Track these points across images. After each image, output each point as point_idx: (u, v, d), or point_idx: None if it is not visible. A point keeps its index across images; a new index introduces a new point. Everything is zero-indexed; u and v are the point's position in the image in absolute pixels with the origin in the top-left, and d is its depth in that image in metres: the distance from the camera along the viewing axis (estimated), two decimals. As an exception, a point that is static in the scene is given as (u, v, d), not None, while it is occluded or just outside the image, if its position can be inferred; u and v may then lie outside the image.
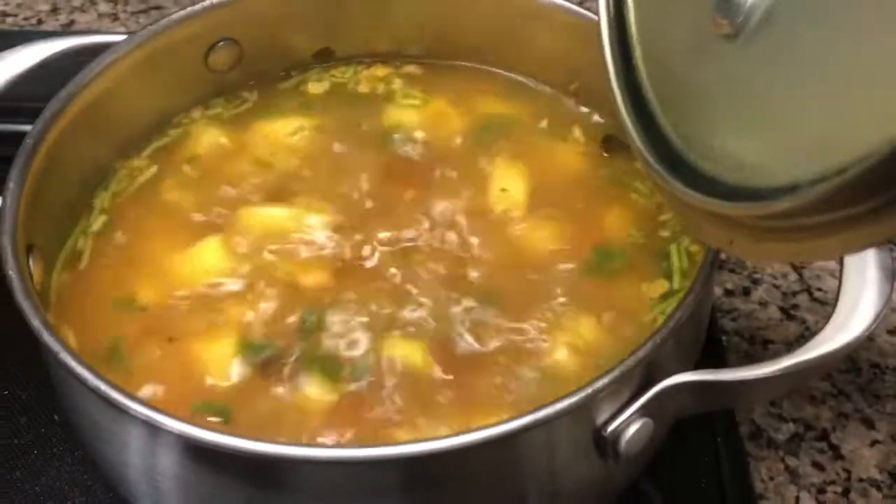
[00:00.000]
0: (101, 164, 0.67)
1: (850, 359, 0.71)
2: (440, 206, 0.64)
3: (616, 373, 0.45)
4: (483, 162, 0.67)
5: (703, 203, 0.46)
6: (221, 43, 0.70)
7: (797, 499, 0.64)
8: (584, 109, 0.71)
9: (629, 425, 0.46)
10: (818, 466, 0.65)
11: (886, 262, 0.52)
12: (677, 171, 0.49)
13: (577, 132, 0.69)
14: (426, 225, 0.62)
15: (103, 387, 0.45)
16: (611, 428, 0.46)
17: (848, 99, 0.39)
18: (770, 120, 0.44)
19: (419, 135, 0.69)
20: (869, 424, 0.67)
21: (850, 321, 0.49)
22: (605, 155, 0.67)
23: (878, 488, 0.64)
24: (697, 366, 0.55)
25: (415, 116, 0.71)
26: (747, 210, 0.44)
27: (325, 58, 0.75)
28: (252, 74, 0.73)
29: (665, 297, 0.58)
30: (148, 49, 0.66)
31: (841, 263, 0.54)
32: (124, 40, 0.65)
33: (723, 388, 0.48)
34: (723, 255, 0.78)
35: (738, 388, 0.49)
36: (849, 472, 0.65)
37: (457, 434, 0.44)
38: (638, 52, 0.54)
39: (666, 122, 0.51)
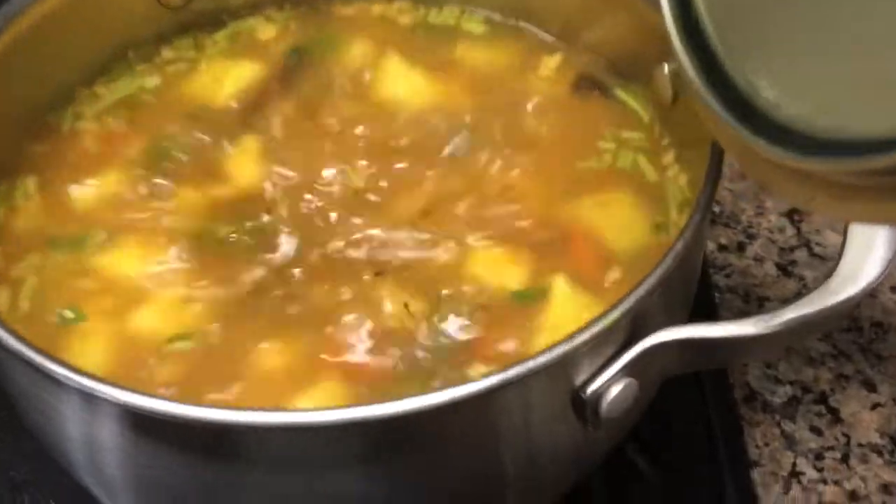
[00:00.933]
0: (37, 107, 0.61)
1: (851, 317, 0.67)
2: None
3: (597, 327, 0.40)
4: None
5: (778, 157, 0.41)
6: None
7: (794, 465, 0.60)
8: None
9: (611, 386, 0.42)
10: (816, 431, 0.62)
11: None
12: (745, 119, 0.43)
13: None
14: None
15: (30, 353, 0.41)
16: (590, 389, 0.42)
17: None
18: (861, 55, 0.39)
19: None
20: (870, 386, 0.64)
21: (856, 273, 0.45)
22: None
23: (879, 453, 0.61)
24: (687, 323, 0.51)
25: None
26: (833, 166, 0.38)
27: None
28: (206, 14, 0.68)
29: (658, 228, 0.53)
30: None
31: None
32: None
33: (714, 346, 0.44)
34: (717, 209, 0.74)
35: (731, 345, 0.44)
36: (848, 436, 0.61)
37: (421, 395, 0.39)
38: None
39: (730, 63, 0.45)
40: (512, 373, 0.39)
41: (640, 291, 0.41)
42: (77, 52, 0.63)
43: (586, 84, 0.63)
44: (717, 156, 0.48)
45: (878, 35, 0.38)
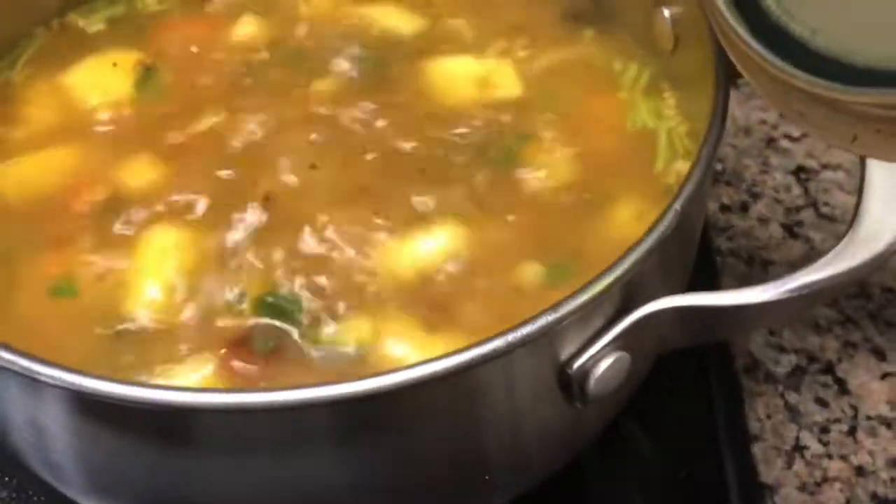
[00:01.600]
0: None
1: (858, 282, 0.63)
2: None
3: (584, 296, 0.36)
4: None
5: (821, 89, 0.38)
6: None
7: (797, 439, 0.57)
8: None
9: (599, 361, 0.38)
10: (822, 403, 0.58)
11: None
12: (779, 48, 0.40)
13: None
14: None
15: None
16: (577, 364, 0.38)
17: None
18: None
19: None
20: (879, 355, 0.60)
21: (875, 235, 0.40)
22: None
23: (889, 426, 0.57)
24: (686, 291, 0.47)
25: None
26: (880, 98, 0.36)
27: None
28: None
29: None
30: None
31: (862, 170, 0.45)
32: None
33: (715, 315, 0.40)
34: (719, 167, 0.70)
35: (733, 314, 0.40)
36: (855, 408, 0.58)
37: (397, 370, 0.35)
38: None
39: None
40: (490, 346, 0.35)
41: (634, 256, 0.37)
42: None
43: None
44: (722, 105, 0.44)
45: None
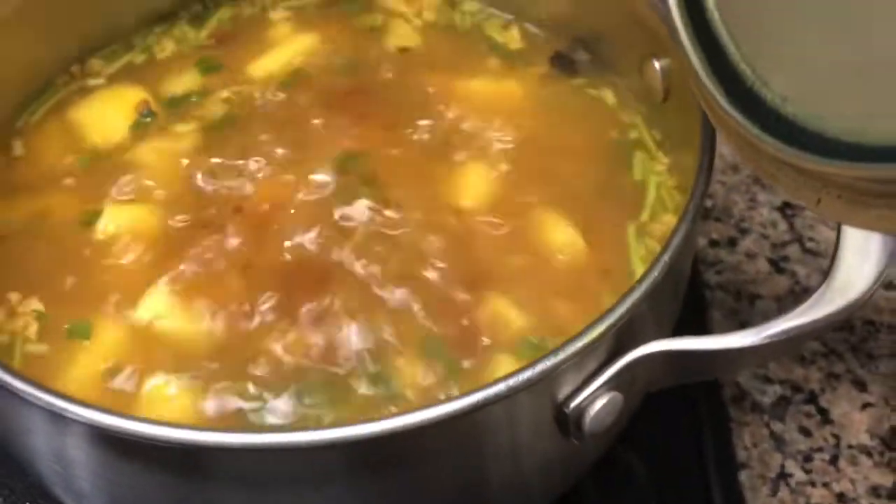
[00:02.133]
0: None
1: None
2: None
3: (580, 342, 0.39)
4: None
5: (789, 156, 0.39)
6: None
7: (782, 467, 0.60)
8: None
9: (594, 401, 0.41)
10: (805, 432, 0.61)
11: (890, 213, 0.45)
12: (752, 113, 0.42)
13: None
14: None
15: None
16: (573, 404, 0.41)
17: None
18: (881, 60, 0.36)
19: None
20: (861, 386, 0.63)
21: (850, 283, 0.43)
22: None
23: (869, 455, 0.60)
24: (676, 327, 0.50)
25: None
26: (848, 170, 0.37)
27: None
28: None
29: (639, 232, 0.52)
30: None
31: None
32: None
33: (701, 358, 0.43)
34: (708, 203, 0.73)
35: (718, 357, 0.43)
36: (838, 437, 0.61)
37: (406, 413, 0.38)
38: None
39: (737, 53, 0.43)
40: (493, 390, 0.38)
41: (625, 305, 0.40)
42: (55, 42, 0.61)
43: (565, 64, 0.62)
44: (708, 157, 0.47)
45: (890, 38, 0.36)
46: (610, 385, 0.41)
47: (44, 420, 0.43)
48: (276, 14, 0.67)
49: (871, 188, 0.37)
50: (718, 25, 0.45)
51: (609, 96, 0.61)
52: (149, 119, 0.60)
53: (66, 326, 0.50)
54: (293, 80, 0.62)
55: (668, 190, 0.54)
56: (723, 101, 0.43)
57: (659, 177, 0.55)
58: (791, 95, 0.40)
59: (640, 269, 0.50)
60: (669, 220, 0.52)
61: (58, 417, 0.41)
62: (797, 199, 0.42)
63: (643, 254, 0.52)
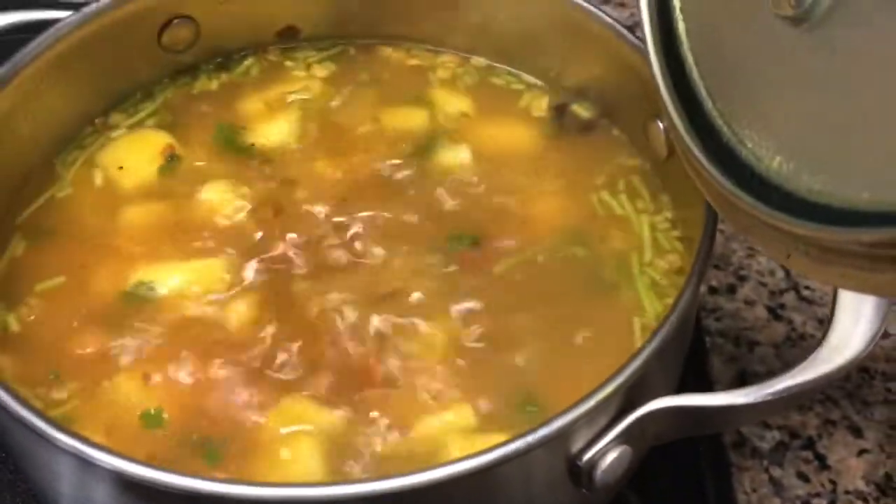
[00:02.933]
0: (32, 162, 0.62)
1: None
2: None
3: (592, 401, 0.41)
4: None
5: (759, 213, 0.40)
6: (176, 20, 0.66)
7: (781, 512, 0.61)
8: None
9: (606, 454, 0.43)
10: (803, 477, 0.63)
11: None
12: (727, 168, 0.43)
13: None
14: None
15: (28, 416, 0.41)
16: (586, 457, 0.43)
17: None
18: (847, 122, 0.38)
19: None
20: (856, 433, 0.65)
21: (846, 341, 0.46)
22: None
23: (865, 500, 0.62)
24: (679, 374, 0.52)
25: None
26: (815, 231, 0.38)
27: (289, 38, 0.71)
28: (209, 54, 0.69)
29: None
30: (95, 27, 0.61)
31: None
32: (70, 17, 0.61)
33: (707, 414, 0.45)
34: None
35: (723, 413, 0.45)
36: (835, 483, 0.62)
37: (424, 470, 0.40)
38: (682, 28, 0.47)
39: (714, 110, 0.45)
40: (512, 447, 0.40)
41: (636, 364, 0.43)
42: (83, 97, 0.64)
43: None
44: (712, 219, 0.49)
45: (871, 107, 0.38)
46: (620, 439, 0.43)
47: (68, 463, 0.44)
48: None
49: (837, 248, 0.39)
50: (697, 81, 0.46)
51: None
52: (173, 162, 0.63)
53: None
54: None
55: (669, 240, 0.57)
56: (700, 154, 0.45)
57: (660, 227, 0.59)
58: (764, 154, 0.42)
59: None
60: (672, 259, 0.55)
61: (84, 463, 0.42)
62: (768, 254, 0.44)
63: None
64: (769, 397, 0.44)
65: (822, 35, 0.39)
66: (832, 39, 0.38)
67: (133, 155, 0.63)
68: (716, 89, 0.45)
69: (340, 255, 0.57)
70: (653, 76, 0.48)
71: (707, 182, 0.45)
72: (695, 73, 0.46)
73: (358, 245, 0.57)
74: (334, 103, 0.67)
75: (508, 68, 0.69)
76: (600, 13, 0.61)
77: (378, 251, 0.57)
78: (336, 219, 0.59)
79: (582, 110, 0.66)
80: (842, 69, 0.39)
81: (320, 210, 0.60)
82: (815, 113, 0.40)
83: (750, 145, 0.43)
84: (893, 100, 0.36)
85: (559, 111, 0.67)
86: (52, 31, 0.60)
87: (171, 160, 0.63)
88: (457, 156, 0.63)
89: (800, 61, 0.40)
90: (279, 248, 0.58)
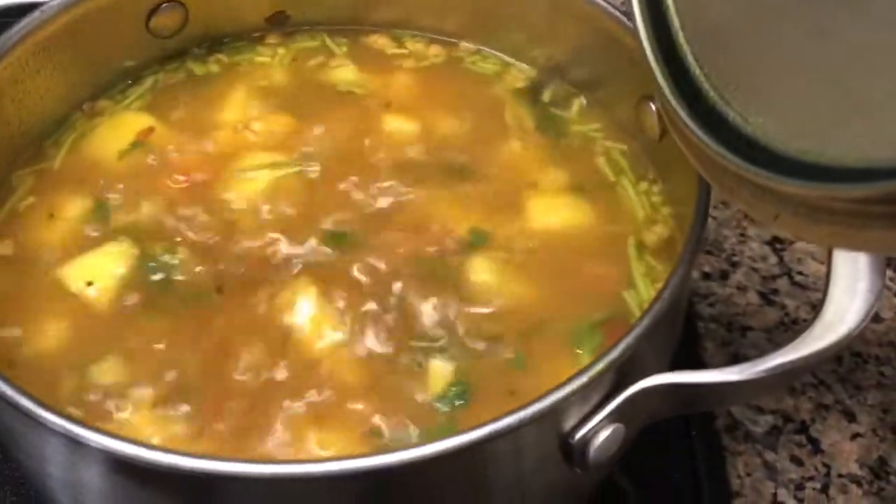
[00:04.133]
0: (18, 146, 0.61)
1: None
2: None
3: (585, 377, 0.41)
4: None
5: (747, 173, 0.40)
6: (165, 5, 0.65)
7: (774, 495, 0.61)
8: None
9: (598, 432, 0.43)
10: (797, 461, 0.63)
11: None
12: (714, 131, 0.43)
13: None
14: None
15: (16, 396, 0.41)
16: (578, 435, 0.42)
17: None
18: (835, 81, 0.38)
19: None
20: (850, 417, 0.65)
21: (839, 318, 0.45)
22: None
23: (859, 484, 0.62)
24: (672, 359, 0.52)
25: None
26: (803, 189, 0.38)
27: (279, 24, 0.70)
28: (197, 40, 0.68)
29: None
30: (81, 11, 0.61)
31: (829, 252, 0.50)
32: (55, 1, 0.60)
33: (700, 391, 0.45)
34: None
35: (716, 390, 0.45)
36: (828, 466, 0.62)
37: (415, 446, 0.40)
38: None
39: (701, 74, 0.45)
40: (503, 423, 0.40)
41: (627, 341, 0.42)
42: (70, 81, 0.63)
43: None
44: (704, 200, 0.49)
45: (857, 66, 0.38)
46: (613, 417, 0.43)
47: (58, 445, 0.43)
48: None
49: (826, 206, 0.39)
50: (683, 46, 0.46)
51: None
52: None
53: None
54: None
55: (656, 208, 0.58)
56: (686, 118, 0.45)
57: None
58: (752, 116, 0.42)
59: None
60: (661, 230, 0.55)
61: (74, 443, 0.42)
62: (755, 215, 0.43)
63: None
64: (762, 374, 0.44)
65: None
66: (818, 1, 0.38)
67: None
68: (702, 53, 0.45)
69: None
70: (639, 40, 0.48)
71: (694, 146, 0.45)
72: (681, 37, 0.46)
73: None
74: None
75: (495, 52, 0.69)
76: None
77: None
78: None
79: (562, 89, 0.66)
80: (827, 30, 0.39)
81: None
82: (802, 73, 0.40)
83: (737, 108, 0.43)
84: (880, 58, 0.36)
85: (537, 90, 0.67)
86: (37, 13, 0.59)
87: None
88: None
89: (786, 23, 0.41)
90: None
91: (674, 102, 0.46)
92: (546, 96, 0.67)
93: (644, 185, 0.61)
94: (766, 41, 0.42)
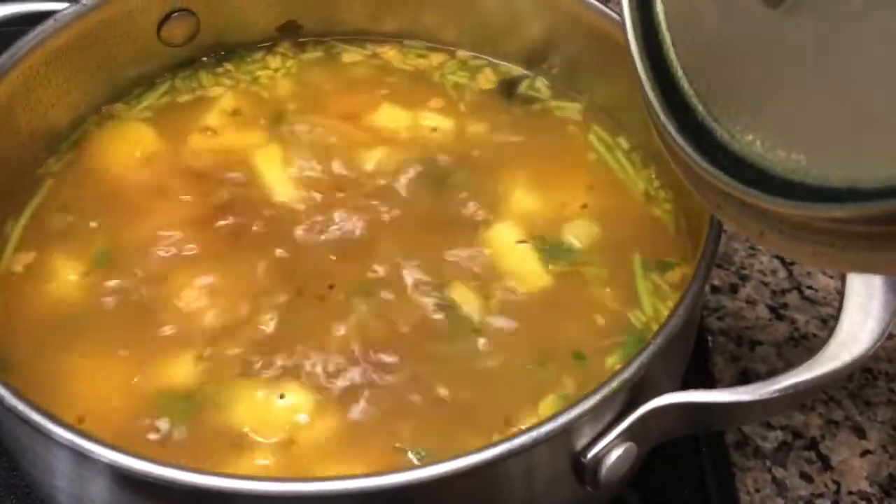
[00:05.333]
0: (24, 159, 0.61)
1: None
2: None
3: (597, 396, 0.41)
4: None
5: (733, 190, 0.41)
6: (176, 14, 0.65)
7: (784, 512, 0.61)
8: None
9: (610, 451, 0.42)
10: (806, 478, 0.62)
11: (892, 272, 0.47)
12: (701, 146, 0.43)
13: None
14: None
15: (23, 407, 0.41)
16: (590, 454, 0.42)
17: None
18: (823, 100, 0.38)
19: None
20: (860, 433, 0.64)
21: (853, 338, 0.45)
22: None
23: (869, 501, 0.61)
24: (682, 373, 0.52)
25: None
26: (785, 208, 0.38)
27: (290, 33, 0.70)
28: (209, 49, 0.68)
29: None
30: (94, 20, 0.61)
31: (843, 278, 0.49)
32: (68, 8, 0.60)
33: (715, 411, 0.45)
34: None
35: (728, 410, 0.45)
36: (838, 483, 0.62)
37: (428, 465, 0.39)
38: (660, 7, 0.48)
39: (690, 89, 0.45)
40: (518, 442, 0.40)
41: (640, 360, 0.42)
42: (82, 88, 0.63)
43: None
44: (718, 222, 0.49)
45: (844, 87, 0.38)
46: (625, 436, 0.43)
47: (66, 458, 0.43)
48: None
49: (809, 225, 0.39)
50: (674, 62, 0.47)
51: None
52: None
53: None
54: None
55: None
56: (675, 133, 0.45)
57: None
58: (740, 133, 0.42)
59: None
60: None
61: (81, 457, 0.42)
62: (741, 231, 0.43)
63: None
64: (775, 394, 0.44)
65: (798, 16, 0.39)
66: (808, 20, 0.38)
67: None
68: (692, 69, 0.46)
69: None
70: (630, 55, 0.48)
71: (682, 160, 0.45)
72: (672, 53, 0.46)
73: None
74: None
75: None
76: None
77: None
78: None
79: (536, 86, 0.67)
80: (817, 50, 0.39)
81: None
82: (790, 93, 0.40)
83: (725, 124, 0.43)
84: (867, 79, 0.36)
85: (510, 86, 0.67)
86: (50, 21, 0.59)
87: None
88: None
89: (776, 42, 0.41)
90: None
91: (663, 117, 0.46)
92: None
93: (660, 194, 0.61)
94: (755, 59, 0.42)
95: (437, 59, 0.70)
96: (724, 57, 0.45)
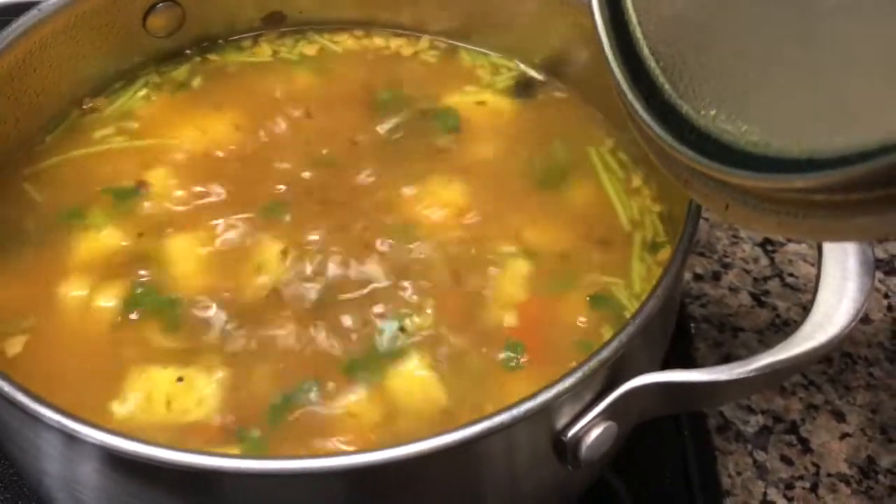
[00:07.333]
0: (12, 146, 0.61)
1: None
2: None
3: (577, 375, 0.41)
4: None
5: (699, 165, 0.42)
6: (161, 4, 0.65)
7: (765, 495, 0.62)
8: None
9: (590, 430, 0.43)
10: (787, 461, 0.63)
11: (867, 253, 0.48)
12: (668, 124, 0.44)
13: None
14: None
15: (9, 389, 0.41)
16: (571, 433, 0.43)
17: (886, 65, 0.34)
18: (784, 74, 0.40)
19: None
20: (839, 417, 0.65)
21: (828, 319, 0.46)
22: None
23: (847, 483, 0.62)
24: (664, 359, 0.52)
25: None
26: (749, 180, 0.39)
27: (275, 23, 0.70)
28: (194, 40, 0.68)
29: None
30: (79, 10, 0.61)
31: (819, 253, 0.50)
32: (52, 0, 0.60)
33: (694, 390, 0.45)
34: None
35: (710, 389, 0.45)
36: (818, 466, 0.63)
37: (408, 443, 0.40)
38: None
39: (656, 68, 0.46)
40: (496, 421, 0.40)
41: (620, 339, 0.43)
42: (66, 79, 0.63)
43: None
44: (697, 208, 0.49)
45: (802, 61, 0.39)
46: (605, 415, 0.43)
47: (54, 440, 0.44)
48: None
49: (772, 196, 0.40)
50: (640, 41, 0.48)
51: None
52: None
53: None
54: None
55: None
56: (642, 111, 0.46)
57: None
58: (704, 109, 0.43)
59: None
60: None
61: (70, 439, 0.42)
62: (707, 205, 0.45)
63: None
64: (752, 374, 0.45)
65: None
66: None
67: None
68: (657, 48, 0.47)
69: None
70: (598, 36, 0.49)
71: (649, 138, 0.46)
72: (638, 32, 0.47)
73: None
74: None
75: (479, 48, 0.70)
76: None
77: None
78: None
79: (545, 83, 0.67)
80: (777, 23, 0.40)
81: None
82: (751, 67, 0.41)
83: (689, 100, 0.45)
84: (825, 52, 0.37)
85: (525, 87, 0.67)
86: (34, 12, 0.59)
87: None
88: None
89: (737, 17, 0.42)
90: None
91: (630, 96, 0.47)
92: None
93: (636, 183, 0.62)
94: (718, 35, 0.44)
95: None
96: (688, 34, 0.46)
